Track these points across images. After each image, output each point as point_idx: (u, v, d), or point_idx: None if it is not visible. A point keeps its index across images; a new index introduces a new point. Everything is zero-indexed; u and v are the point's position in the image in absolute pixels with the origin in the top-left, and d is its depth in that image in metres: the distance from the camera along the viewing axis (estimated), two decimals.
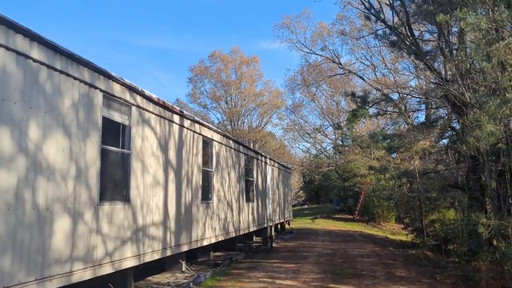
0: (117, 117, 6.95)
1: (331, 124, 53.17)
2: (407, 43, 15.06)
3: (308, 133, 54.51)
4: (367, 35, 33.64)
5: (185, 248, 9.35)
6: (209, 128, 11.35)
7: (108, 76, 6.57)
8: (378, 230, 29.21)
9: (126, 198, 7.08)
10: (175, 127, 9.18)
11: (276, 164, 21.10)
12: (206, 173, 11.29)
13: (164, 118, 8.60)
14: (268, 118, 56.67)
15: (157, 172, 8.18)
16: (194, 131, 10.28)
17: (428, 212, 21.85)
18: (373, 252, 15.41)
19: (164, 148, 8.56)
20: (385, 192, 24.40)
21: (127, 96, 7.13)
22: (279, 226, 24.33)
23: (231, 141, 13.36)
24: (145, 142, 7.75)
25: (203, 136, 10.87)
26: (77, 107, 5.88)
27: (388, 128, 34.99)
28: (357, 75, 43.07)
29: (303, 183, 65.42)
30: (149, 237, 7.71)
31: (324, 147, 55.27)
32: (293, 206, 59.10)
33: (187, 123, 9.78)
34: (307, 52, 47.77)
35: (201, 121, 10.70)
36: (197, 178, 10.37)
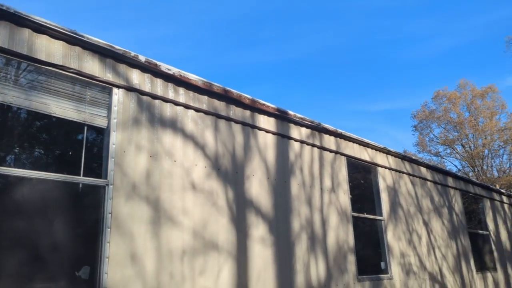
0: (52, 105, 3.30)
1: None
2: None
3: None
4: None
5: None
6: (363, 144, 6.47)
7: None
8: None
9: None
10: (265, 136, 4.90)
11: None
12: (369, 224, 6.27)
13: (230, 119, 4.51)
14: None
15: (209, 223, 3.98)
16: (323, 148, 5.70)
17: None
18: None
19: (230, 174, 4.35)
20: None
21: (92, 65, 3.47)
22: None
23: (422, 168, 7.87)
24: (163, 162, 3.79)
25: (347, 157, 6.09)
26: None
27: None
28: None
29: None
30: None
31: None
32: None
33: (297, 132, 5.36)
34: None
35: (338, 130, 6.01)
36: (341, 234, 5.53)
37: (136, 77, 3.78)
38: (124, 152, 3.53)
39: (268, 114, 5.02)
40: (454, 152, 46.22)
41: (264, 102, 4.93)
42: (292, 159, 5.19)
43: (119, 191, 3.41)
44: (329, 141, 5.85)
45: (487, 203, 10.07)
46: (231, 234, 4.19)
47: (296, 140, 5.31)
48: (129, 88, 3.69)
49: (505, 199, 11.19)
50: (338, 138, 6.02)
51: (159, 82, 3.95)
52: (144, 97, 3.80)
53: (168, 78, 4.03)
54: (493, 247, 9.64)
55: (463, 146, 45.41)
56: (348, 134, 6.14)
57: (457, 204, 8.73)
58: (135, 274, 3.35)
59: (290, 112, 5.25)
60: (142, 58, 3.80)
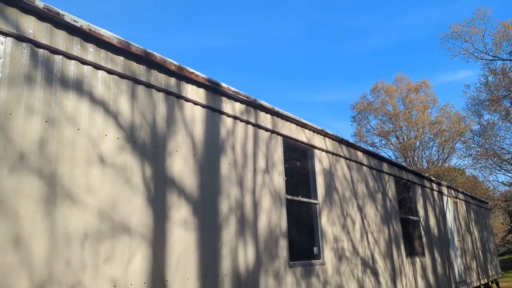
0: None
1: None
2: None
3: (507, 161, 42.30)
4: None
5: None
6: (300, 125, 6.18)
7: None
8: None
9: None
10: (192, 109, 4.41)
11: (460, 195, 13.95)
12: (304, 208, 6.02)
13: (151, 86, 3.97)
14: (451, 148, 46.78)
15: (120, 203, 3.45)
16: (258, 126, 5.31)
17: None
18: None
19: (149, 148, 3.83)
20: None
21: None
22: None
23: (359, 153, 7.78)
24: (63, 129, 3.19)
25: (284, 137, 5.77)
26: None
27: None
28: None
29: (511, 224, 51.04)
30: None
31: None
32: (502, 255, 45.83)
33: (230, 107, 4.92)
34: (489, 60, 38.09)
35: (275, 108, 5.65)
36: (273, 218, 5.20)
37: (31, 26, 3.12)
38: (10, 114, 2.88)
39: (198, 84, 4.52)
40: (389, 143, 48.28)
41: (193, 71, 4.42)
42: (223, 136, 4.74)
43: (1, 161, 2.78)
44: (265, 119, 5.47)
45: (419, 190, 10.31)
46: (147, 216, 3.68)
47: (229, 116, 4.86)
48: (21, 38, 3.03)
49: (435, 186, 11.58)
50: (274, 117, 5.66)
51: (61, 34, 3.30)
52: (41, 50, 3.15)
53: (74, 31, 3.39)
54: (422, 232, 9.90)
55: (397, 138, 47.54)
56: (285, 113, 5.80)
57: (391, 190, 8.80)
58: (20, 261, 2.76)
59: (223, 85, 4.79)
60: (40, 4, 3.14)
